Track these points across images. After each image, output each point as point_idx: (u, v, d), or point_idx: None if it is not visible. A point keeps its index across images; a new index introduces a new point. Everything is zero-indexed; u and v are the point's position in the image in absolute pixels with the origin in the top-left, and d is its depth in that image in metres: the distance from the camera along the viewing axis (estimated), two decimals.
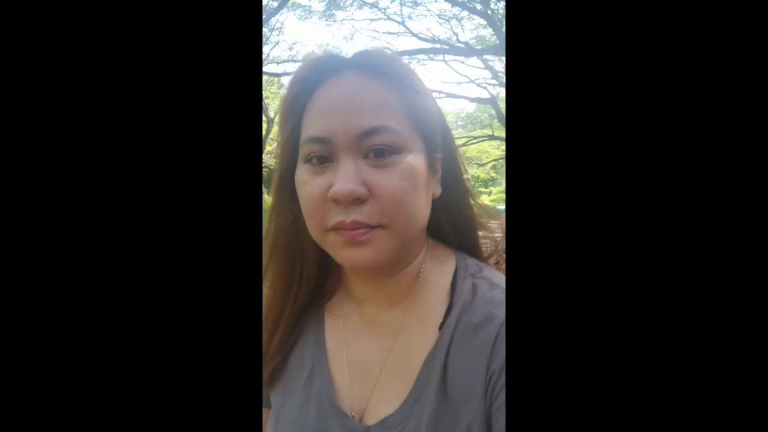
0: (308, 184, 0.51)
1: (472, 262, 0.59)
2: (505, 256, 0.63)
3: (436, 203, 0.56)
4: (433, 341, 0.54)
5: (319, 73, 0.53)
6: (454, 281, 0.57)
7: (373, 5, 9.69)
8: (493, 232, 0.63)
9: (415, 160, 0.51)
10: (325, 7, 10.32)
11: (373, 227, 0.49)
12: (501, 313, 0.51)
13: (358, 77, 0.52)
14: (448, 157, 0.58)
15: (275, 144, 2.20)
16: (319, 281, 0.64)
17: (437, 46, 10.29)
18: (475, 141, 14.13)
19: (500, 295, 0.54)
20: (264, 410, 0.67)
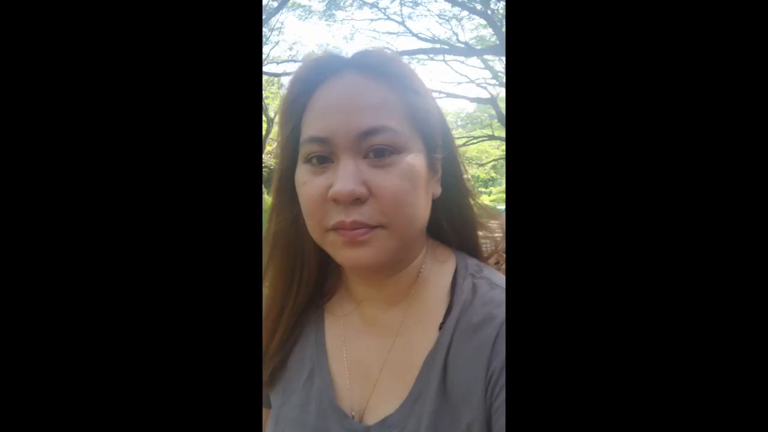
0: (308, 184, 0.51)
1: (472, 262, 0.59)
2: (505, 256, 0.63)
3: (436, 203, 0.56)
4: (433, 341, 0.54)
5: (319, 73, 0.53)
6: (454, 281, 0.57)
7: (373, 5, 9.69)
8: (493, 232, 0.63)
9: (415, 160, 0.51)
10: (325, 7, 10.32)
11: (373, 227, 0.49)
12: (501, 313, 0.51)
13: (358, 77, 0.52)
14: (448, 157, 0.58)
15: (275, 144, 2.20)
16: (319, 281, 0.64)
17: (437, 46, 10.29)
18: (475, 141, 14.13)
19: (500, 295, 0.54)
20: (264, 410, 0.67)
